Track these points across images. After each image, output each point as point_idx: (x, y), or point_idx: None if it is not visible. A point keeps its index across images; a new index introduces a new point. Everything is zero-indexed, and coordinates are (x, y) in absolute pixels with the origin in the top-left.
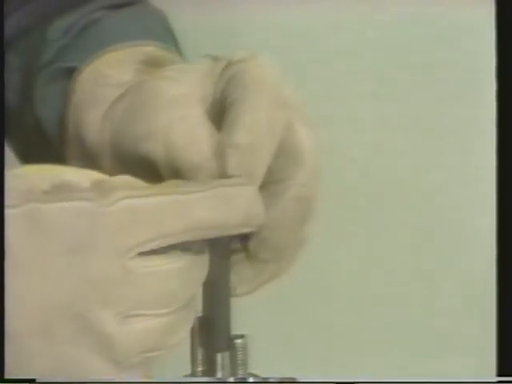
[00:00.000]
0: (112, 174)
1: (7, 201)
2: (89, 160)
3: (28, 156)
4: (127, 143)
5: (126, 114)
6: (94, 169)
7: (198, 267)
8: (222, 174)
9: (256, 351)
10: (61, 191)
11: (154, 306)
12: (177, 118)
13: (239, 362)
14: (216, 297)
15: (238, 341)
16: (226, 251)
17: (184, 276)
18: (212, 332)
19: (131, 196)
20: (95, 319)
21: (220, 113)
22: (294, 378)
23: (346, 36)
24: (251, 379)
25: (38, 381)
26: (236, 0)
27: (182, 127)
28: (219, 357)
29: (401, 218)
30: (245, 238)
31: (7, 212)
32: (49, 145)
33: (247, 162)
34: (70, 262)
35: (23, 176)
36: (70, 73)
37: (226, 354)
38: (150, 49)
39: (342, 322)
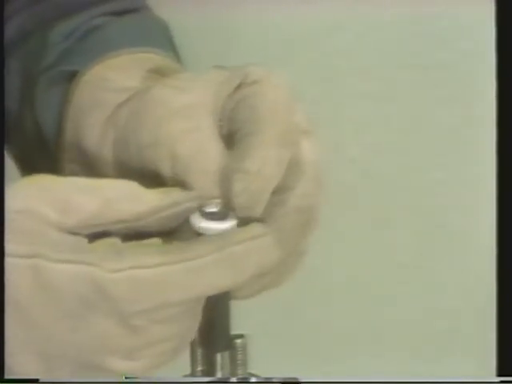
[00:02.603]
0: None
1: (12, 246)
2: (87, 164)
3: (26, 161)
4: (131, 150)
5: (131, 119)
6: (93, 173)
7: (198, 305)
8: (227, 198)
9: (256, 351)
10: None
11: (159, 344)
12: (184, 129)
13: (239, 361)
14: (216, 297)
15: (238, 341)
16: None
17: (187, 317)
18: (212, 332)
19: (137, 266)
20: (103, 364)
21: (229, 133)
22: (296, 378)
23: (346, 36)
24: (254, 379)
25: (41, 380)
26: (236, 0)
27: (190, 138)
28: (219, 357)
29: (401, 218)
30: None
31: (12, 260)
32: (47, 149)
33: (253, 190)
34: (73, 322)
35: (26, 210)
36: (71, 77)
37: (226, 354)
38: (152, 56)
39: (342, 321)
